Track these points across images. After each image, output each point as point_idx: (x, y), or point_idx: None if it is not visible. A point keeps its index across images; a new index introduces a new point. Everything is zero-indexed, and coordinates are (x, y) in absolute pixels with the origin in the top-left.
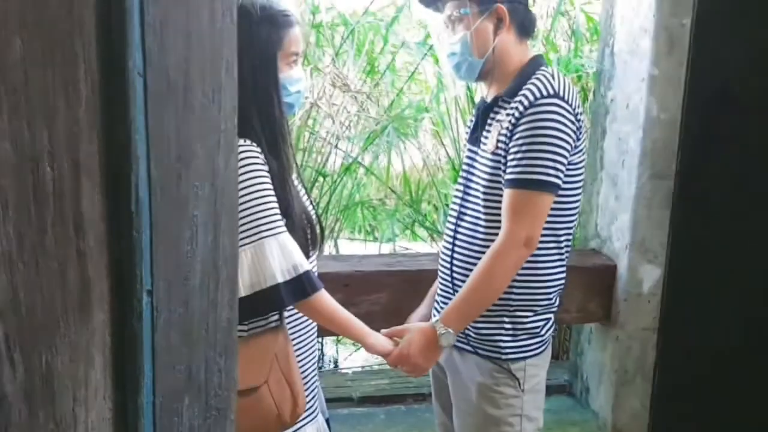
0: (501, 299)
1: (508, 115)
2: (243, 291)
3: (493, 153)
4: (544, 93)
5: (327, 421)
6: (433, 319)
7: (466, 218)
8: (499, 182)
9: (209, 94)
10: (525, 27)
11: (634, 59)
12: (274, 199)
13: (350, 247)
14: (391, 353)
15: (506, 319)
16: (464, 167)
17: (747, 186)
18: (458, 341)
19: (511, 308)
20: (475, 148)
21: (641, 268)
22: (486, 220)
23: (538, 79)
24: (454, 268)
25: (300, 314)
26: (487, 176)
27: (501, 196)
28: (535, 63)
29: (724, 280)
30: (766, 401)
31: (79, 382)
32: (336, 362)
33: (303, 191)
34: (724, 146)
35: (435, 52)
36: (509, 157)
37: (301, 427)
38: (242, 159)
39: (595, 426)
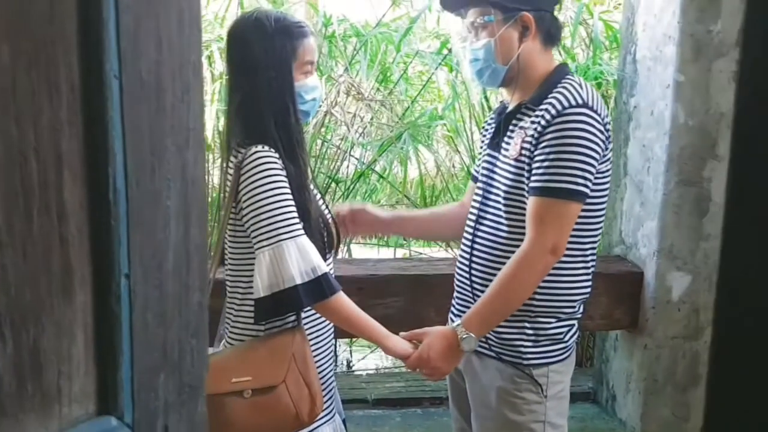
0: (522, 305)
1: (533, 122)
2: (261, 292)
3: (516, 159)
4: (573, 102)
5: (344, 421)
6: (454, 323)
7: (486, 223)
8: (522, 188)
9: (179, 95)
10: (551, 35)
11: (657, 66)
12: (292, 202)
13: (362, 252)
14: (411, 356)
15: (527, 325)
16: (484, 172)
17: None
18: (478, 346)
19: (533, 314)
20: (495, 154)
21: (670, 275)
22: (508, 225)
23: (565, 88)
24: (473, 273)
25: (317, 316)
26: (508, 182)
27: (523, 202)
28: (561, 71)
29: None
30: None
31: (63, 357)
32: (349, 364)
33: (318, 196)
34: None
35: (449, 61)
36: (535, 165)
37: (318, 426)
38: (261, 164)
39: None
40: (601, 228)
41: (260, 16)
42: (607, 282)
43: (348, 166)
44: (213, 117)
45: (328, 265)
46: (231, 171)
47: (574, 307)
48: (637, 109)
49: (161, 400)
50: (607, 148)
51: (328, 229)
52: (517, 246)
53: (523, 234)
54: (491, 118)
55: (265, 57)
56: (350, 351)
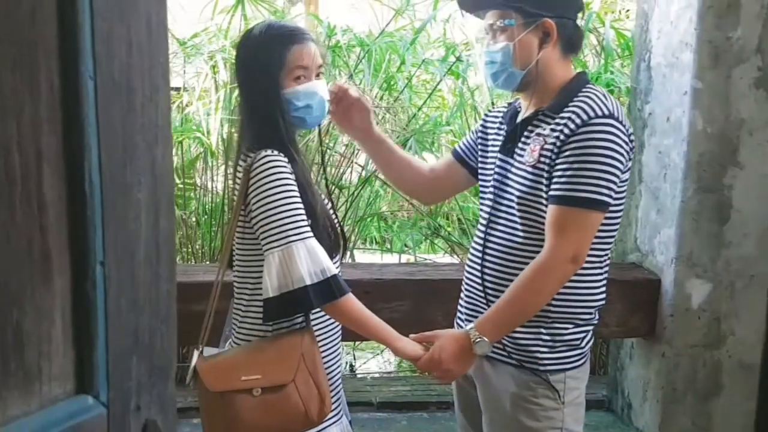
0: (539, 311)
1: (554, 130)
2: (270, 292)
3: (533, 167)
4: (600, 113)
5: (350, 423)
6: (468, 326)
7: (499, 228)
8: (538, 195)
9: (148, 95)
10: (572, 43)
11: (674, 73)
12: (302, 205)
13: (365, 257)
14: (422, 358)
15: (543, 331)
16: (495, 177)
17: None
18: (492, 351)
19: (549, 320)
20: (507, 158)
21: (689, 283)
22: (523, 231)
23: (589, 97)
24: (486, 278)
25: (325, 317)
26: (524, 188)
27: (539, 208)
28: (581, 80)
29: None
30: None
31: (43, 339)
32: (352, 367)
33: (327, 201)
34: None
35: (455, 70)
36: (556, 173)
37: (327, 427)
38: (270, 167)
39: None
40: (616, 234)
41: (256, 26)
42: (623, 289)
43: (351, 173)
44: (217, 125)
45: (336, 266)
46: (240, 174)
47: (591, 313)
48: (653, 116)
49: (134, 381)
50: (630, 159)
51: (335, 229)
52: (533, 251)
53: (539, 240)
54: (499, 121)
55: (251, 66)
56: (353, 354)
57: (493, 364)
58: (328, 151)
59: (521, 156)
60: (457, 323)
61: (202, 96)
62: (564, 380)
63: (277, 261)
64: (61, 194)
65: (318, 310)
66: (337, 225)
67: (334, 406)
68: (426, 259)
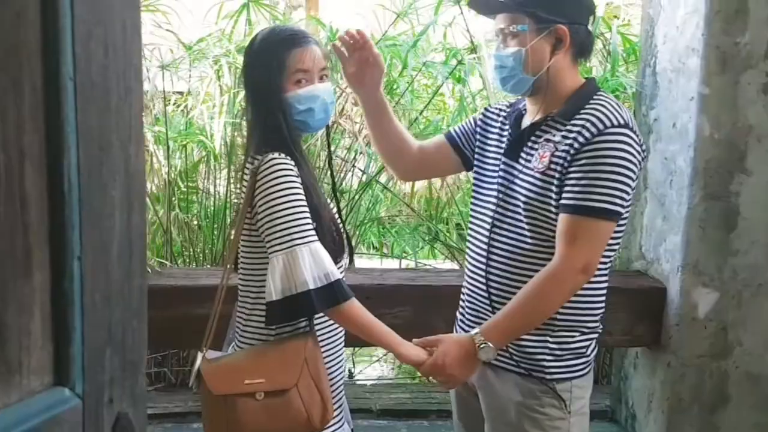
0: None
1: (565, 137)
2: (274, 295)
3: (543, 173)
4: (615, 122)
5: (352, 431)
6: (473, 331)
7: (504, 233)
8: (547, 202)
9: (123, 95)
10: (583, 49)
11: (680, 78)
12: (307, 208)
13: (364, 263)
14: (425, 363)
15: (550, 339)
16: (500, 181)
17: None
18: (496, 358)
19: (556, 328)
20: (513, 163)
21: (695, 292)
22: (531, 237)
23: (603, 106)
24: (491, 283)
25: (328, 323)
26: (531, 194)
27: (546, 215)
28: (591, 86)
29: None
30: None
31: (24, 332)
32: (351, 374)
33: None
34: None
35: (456, 74)
36: (569, 182)
37: None
38: (277, 170)
39: None
40: (621, 242)
41: (260, 31)
42: (628, 297)
43: (352, 178)
44: (221, 128)
45: (340, 270)
46: (247, 177)
47: (596, 321)
48: (658, 122)
49: (107, 375)
50: (640, 169)
51: (339, 232)
52: (540, 258)
53: (547, 246)
54: (501, 120)
55: (255, 70)
56: (353, 360)
57: (497, 372)
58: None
59: (528, 161)
60: (458, 330)
61: (206, 100)
62: (570, 389)
63: (281, 264)
64: (42, 192)
65: (321, 314)
66: (342, 229)
67: (336, 413)
68: (426, 265)
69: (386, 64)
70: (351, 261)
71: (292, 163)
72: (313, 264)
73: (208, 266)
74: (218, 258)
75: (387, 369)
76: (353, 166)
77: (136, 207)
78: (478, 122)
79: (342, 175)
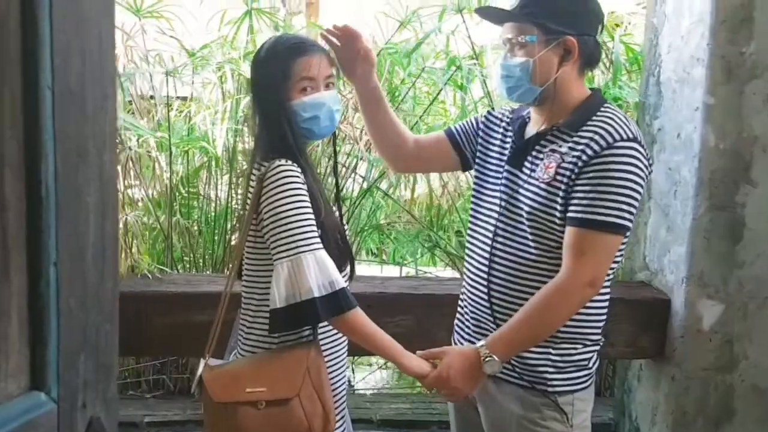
0: None
1: (572, 149)
2: (278, 303)
3: (548, 184)
4: (624, 136)
5: None
6: (478, 343)
7: (507, 243)
8: (551, 213)
9: (99, 103)
10: (591, 61)
11: (684, 88)
12: (312, 216)
13: (363, 269)
14: (429, 375)
15: (552, 351)
16: (503, 190)
17: None
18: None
19: (558, 340)
20: (516, 172)
21: (700, 304)
22: (536, 248)
23: (611, 119)
24: (493, 294)
25: (332, 332)
26: (536, 204)
27: (551, 226)
28: (597, 98)
29: None
30: None
31: (1, 337)
32: (350, 383)
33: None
34: None
35: (456, 80)
36: (576, 195)
37: None
38: (283, 177)
39: None
40: (624, 253)
41: (267, 39)
42: (631, 308)
43: (353, 184)
44: (223, 135)
45: (344, 278)
46: (253, 184)
47: (599, 333)
48: (662, 132)
49: (81, 379)
50: (647, 182)
51: (344, 239)
52: (544, 268)
53: (552, 257)
54: (504, 126)
55: (261, 79)
56: (352, 369)
57: (498, 385)
58: (328, 162)
59: (533, 171)
60: (458, 341)
61: (209, 106)
62: (572, 402)
63: (285, 271)
64: (20, 197)
65: (324, 323)
66: (346, 237)
67: (338, 424)
68: (426, 272)
69: (388, 71)
70: (353, 271)
71: (299, 170)
72: (318, 272)
73: (209, 272)
74: (219, 264)
75: (387, 377)
76: (354, 172)
77: (108, 212)
78: (481, 125)
79: (343, 181)
